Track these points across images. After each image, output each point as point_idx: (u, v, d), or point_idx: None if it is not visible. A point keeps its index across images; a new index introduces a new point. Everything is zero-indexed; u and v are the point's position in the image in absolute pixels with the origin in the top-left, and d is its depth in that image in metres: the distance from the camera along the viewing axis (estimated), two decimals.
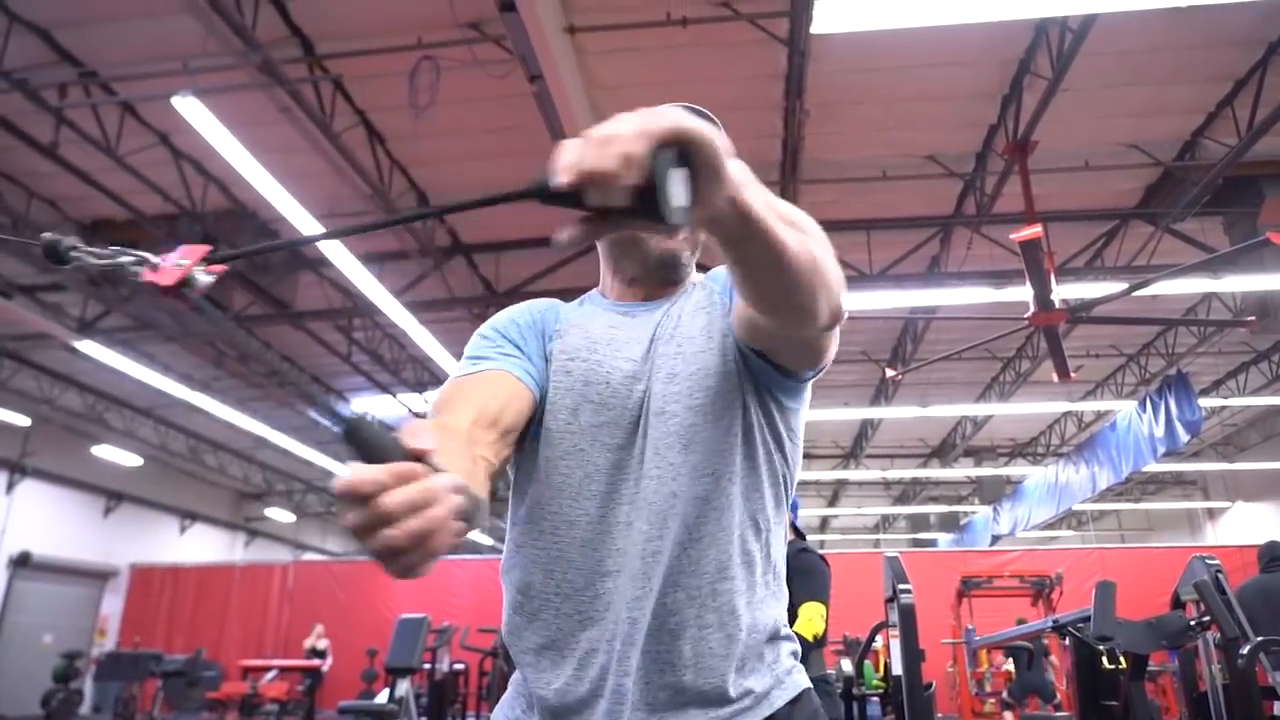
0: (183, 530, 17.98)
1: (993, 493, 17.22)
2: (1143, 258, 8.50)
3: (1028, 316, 6.27)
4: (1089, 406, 13.78)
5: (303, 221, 7.29)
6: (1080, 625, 2.65)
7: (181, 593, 14.71)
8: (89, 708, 13.78)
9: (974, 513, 19.14)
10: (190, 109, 5.98)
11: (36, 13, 6.19)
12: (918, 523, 22.01)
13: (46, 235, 0.74)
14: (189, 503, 17.91)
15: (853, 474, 17.72)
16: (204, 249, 0.69)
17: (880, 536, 25.39)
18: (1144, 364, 12.04)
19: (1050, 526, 17.30)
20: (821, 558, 3.36)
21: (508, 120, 7.07)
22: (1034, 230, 5.47)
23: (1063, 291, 6.46)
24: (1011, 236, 5.60)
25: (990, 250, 8.30)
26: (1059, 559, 12.07)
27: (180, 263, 0.67)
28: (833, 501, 21.77)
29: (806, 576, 3.28)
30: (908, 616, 3.02)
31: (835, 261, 0.90)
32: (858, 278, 8.63)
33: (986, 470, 17.13)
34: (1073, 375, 7.30)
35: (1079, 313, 6.46)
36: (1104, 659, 2.41)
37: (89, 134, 7.00)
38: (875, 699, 4.61)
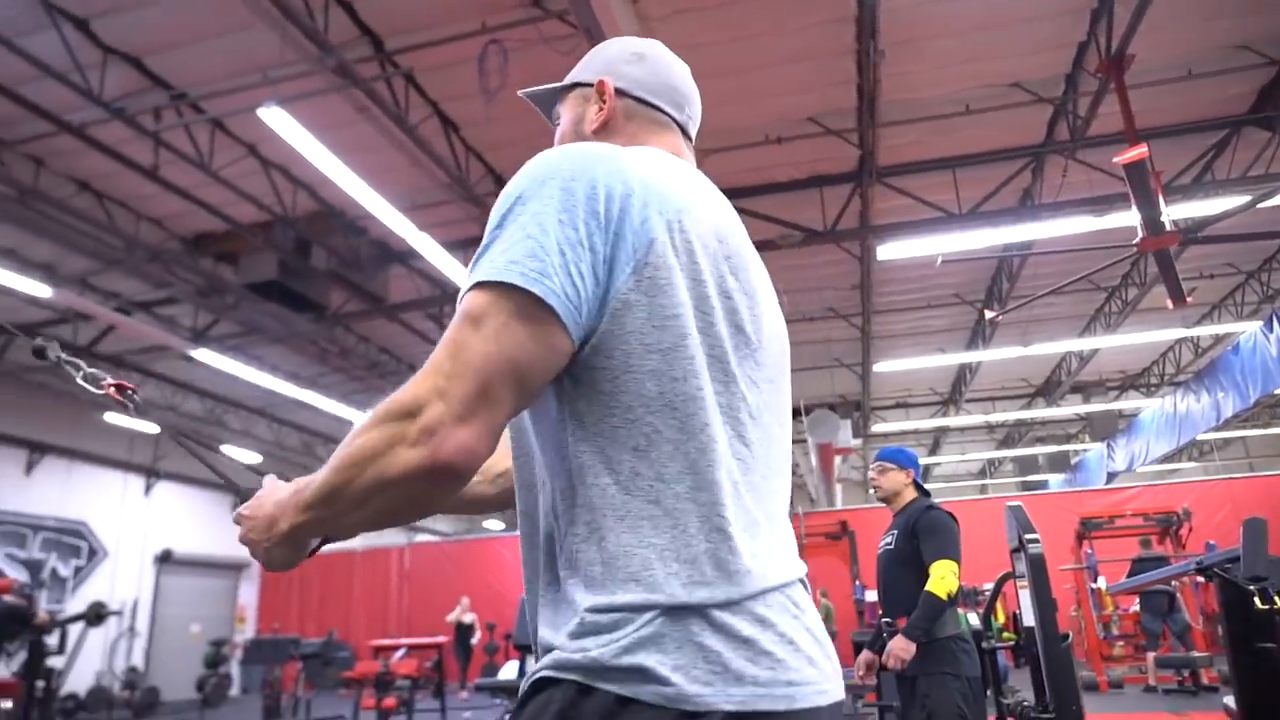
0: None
1: (1105, 429, 16.50)
2: (1259, 166, 7.90)
3: (1136, 242, 5.93)
4: (1207, 331, 12.99)
5: (387, 215, 7.49)
6: (1228, 566, 2.52)
7: (309, 579, 15.58)
8: (237, 690, 14.80)
9: (1086, 451, 18.42)
10: (274, 118, 6.20)
11: (127, 42, 6.50)
12: (1026, 465, 21.29)
13: (37, 341, 1.17)
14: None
15: (954, 420, 17.27)
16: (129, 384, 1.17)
17: (986, 482, 24.70)
18: (1266, 280, 11.26)
19: (1171, 459, 16.50)
20: (949, 514, 3.29)
21: None
22: (1139, 151, 5.16)
23: (1172, 212, 6.09)
24: (1115, 160, 5.29)
25: (1088, 176, 7.87)
26: (1184, 493, 11.53)
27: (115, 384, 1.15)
28: (934, 449, 21.29)
29: (934, 534, 3.22)
30: (1038, 567, 2.92)
31: (368, 447, 0.79)
32: (945, 219, 8.33)
33: (1096, 406, 16.43)
34: (1188, 299, 6.89)
35: (1193, 234, 6.07)
36: (1257, 600, 2.29)
37: (184, 152, 7.35)
38: (1004, 651, 4.51)
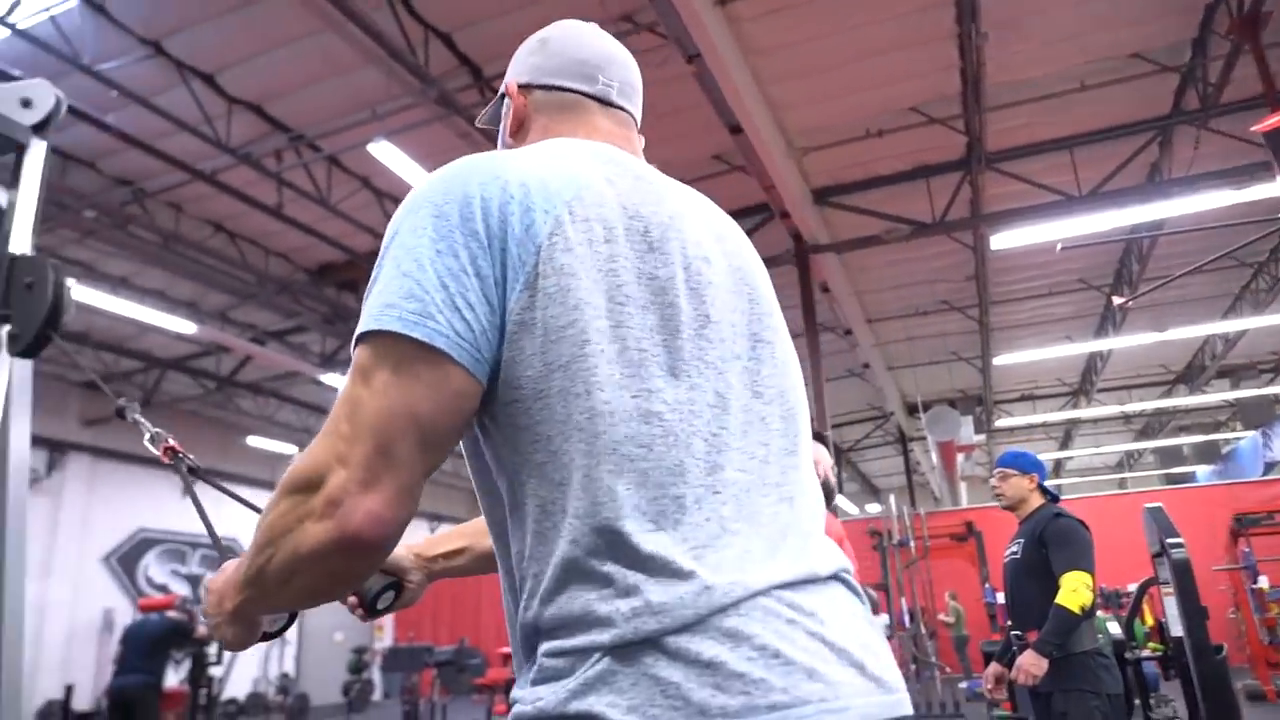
0: (432, 530, 19.67)
1: (1259, 415, 15.24)
2: None
3: None
4: None
5: None
6: None
7: (439, 588, 16.19)
8: (379, 695, 15.54)
9: (1238, 440, 17.05)
10: (384, 152, 6.51)
11: (248, 92, 6.96)
12: (1169, 456, 19.89)
13: (120, 401, 1.31)
14: (434, 506, 19.63)
15: (1085, 412, 16.32)
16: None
17: (1125, 475, 23.21)
18: None
19: None
20: (1079, 520, 3.10)
21: (671, 104, 7.08)
22: None
23: None
24: (1253, 129, 4.87)
25: (1224, 146, 7.30)
26: None
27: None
28: (1065, 443, 20.17)
29: (1064, 544, 3.04)
30: (1183, 573, 2.71)
31: (280, 519, 0.74)
32: (1064, 202, 7.90)
33: (1247, 391, 15.19)
34: None
35: None
36: None
37: (304, 190, 7.81)
38: (1152, 661, 4.19)
